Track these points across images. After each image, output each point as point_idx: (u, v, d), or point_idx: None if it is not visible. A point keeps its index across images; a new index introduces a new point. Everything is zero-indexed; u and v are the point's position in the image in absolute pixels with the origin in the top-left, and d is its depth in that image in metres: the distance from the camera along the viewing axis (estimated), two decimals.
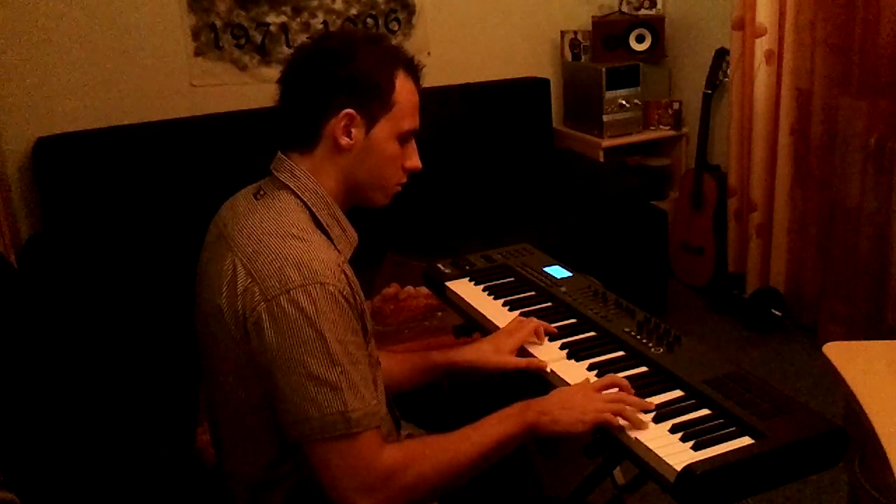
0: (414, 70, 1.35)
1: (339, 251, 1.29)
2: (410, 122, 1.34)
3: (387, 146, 1.31)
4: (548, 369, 1.45)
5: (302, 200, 1.29)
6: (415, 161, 1.37)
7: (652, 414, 1.26)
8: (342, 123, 1.27)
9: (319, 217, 1.29)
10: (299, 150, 1.31)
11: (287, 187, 1.29)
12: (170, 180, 2.92)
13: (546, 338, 1.54)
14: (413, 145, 1.37)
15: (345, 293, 1.20)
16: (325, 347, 1.16)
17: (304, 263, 1.18)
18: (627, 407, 1.26)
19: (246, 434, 1.30)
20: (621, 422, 1.24)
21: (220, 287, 1.23)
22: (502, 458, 1.32)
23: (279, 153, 1.33)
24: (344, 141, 1.28)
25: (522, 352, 1.53)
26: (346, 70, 1.26)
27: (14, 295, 1.52)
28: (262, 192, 1.32)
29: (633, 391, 1.31)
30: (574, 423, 1.27)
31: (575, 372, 1.43)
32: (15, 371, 1.40)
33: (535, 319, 1.58)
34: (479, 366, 1.54)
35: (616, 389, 1.32)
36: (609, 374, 1.37)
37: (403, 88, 1.31)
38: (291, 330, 1.16)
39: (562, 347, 1.50)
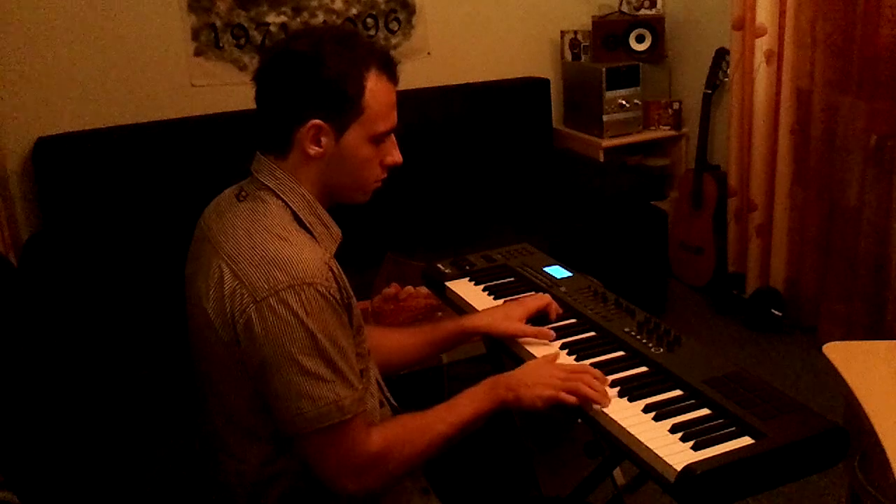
0: (389, 67, 1.31)
1: (323, 248, 1.29)
2: (384, 123, 1.31)
3: (359, 151, 1.30)
4: (552, 336, 1.51)
5: (283, 201, 1.29)
6: (394, 157, 1.35)
7: (616, 389, 1.32)
8: (310, 134, 1.27)
9: (301, 216, 1.30)
10: (275, 154, 1.31)
11: (267, 188, 1.30)
12: (170, 180, 2.92)
13: (553, 334, 1.56)
14: (392, 141, 1.35)
15: (332, 291, 1.22)
16: (315, 344, 1.19)
17: (291, 264, 1.19)
18: (583, 386, 1.30)
19: (240, 433, 1.31)
20: (572, 399, 1.30)
21: (206, 290, 1.24)
22: (502, 458, 1.33)
23: (258, 154, 1.34)
24: (313, 150, 1.28)
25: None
26: (312, 78, 1.24)
27: (14, 295, 1.52)
28: (244, 193, 1.32)
29: (602, 378, 1.34)
30: (533, 400, 1.33)
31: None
32: (15, 371, 1.40)
33: (547, 296, 1.61)
34: (490, 331, 1.57)
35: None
36: (580, 364, 1.40)
37: (375, 90, 1.28)
38: (282, 330, 1.17)
39: (562, 347, 1.50)
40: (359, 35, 1.34)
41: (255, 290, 1.18)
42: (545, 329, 1.53)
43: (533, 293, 1.64)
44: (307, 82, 1.25)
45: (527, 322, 1.57)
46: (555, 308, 1.60)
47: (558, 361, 1.44)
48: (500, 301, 1.71)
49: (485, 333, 1.59)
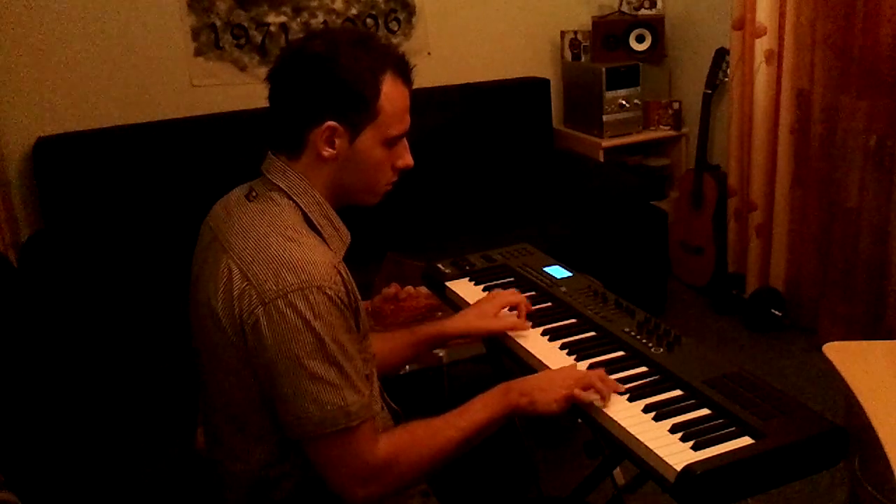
0: (404, 70, 1.31)
1: (332, 251, 1.29)
2: (398, 127, 1.31)
3: (373, 153, 1.30)
4: (527, 328, 1.56)
5: (294, 201, 1.29)
6: (406, 160, 1.35)
7: (626, 395, 1.32)
8: (324, 135, 1.26)
9: (312, 217, 1.29)
10: (287, 155, 1.31)
11: (279, 188, 1.29)
12: (170, 180, 2.92)
13: (529, 324, 1.60)
14: (404, 144, 1.35)
15: (340, 295, 1.22)
16: (322, 348, 1.18)
17: (301, 266, 1.19)
18: (596, 381, 1.31)
19: (244, 434, 1.31)
20: (592, 396, 1.30)
21: (215, 290, 1.23)
22: (502, 458, 1.33)
23: (270, 154, 1.33)
24: (326, 152, 1.27)
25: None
26: (328, 80, 1.24)
27: (14, 294, 1.52)
28: (254, 194, 1.32)
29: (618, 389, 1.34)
30: (549, 404, 1.32)
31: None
32: (15, 371, 1.40)
33: (513, 290, 1.66)
34: (468, 332, 1.60)
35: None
36: (594, 371, 1.39)
37: (391, 93, 1.27)
38: (289, 332, 1.17)
39: (562, 347, 1.50)
40: (375, 38, 1.33)
41: (263, 292, 1.18)
42: (520, 321, 1.57)
43: (496, 290, 1.68)
44: (323, 84, 1.24)
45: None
46: (525, 307, 1.62)
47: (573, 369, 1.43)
48: None
49: (463, 335, 1.62)
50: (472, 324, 1.59)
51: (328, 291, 1.19)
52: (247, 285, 1.20)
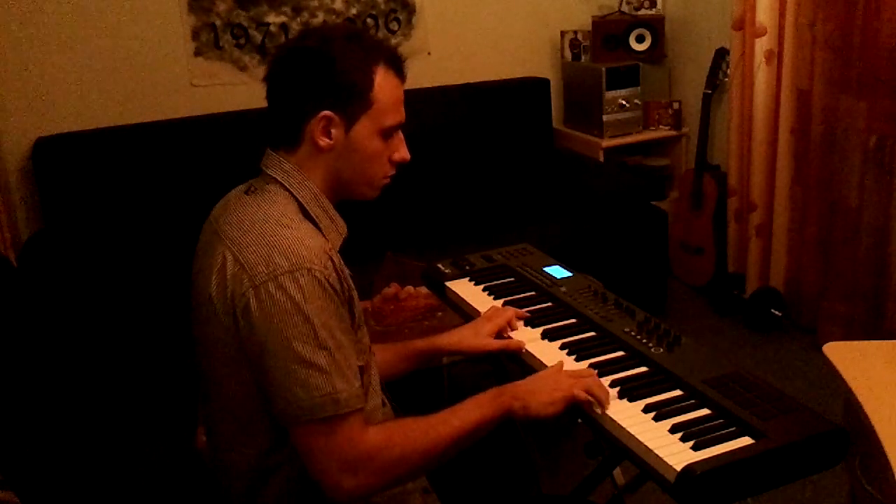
0: (396, 63, 1.33)
1: (327, 240, 1.30)
2: (393, 117, 1.33)
3: (369, 144, 1.32)
4: (524, 349, 1.51)
5: (290, 192, 1.30)
6: (402, 153, 1.37)
7: (616, 389, 1.33)
8: (320, 125, 1.28)
9: (308, 208, 1.31)
10: (285, 149, 1.33)
11: (275, 180, 1.31)
12: (170, 180, 2.92)
13: (522, 323, 1.60)
14: (400, 137, 1.37)
15: (331, 279, 1.23)
16: (312, 332, 1.18)
17: (292, 250, 1.20)
18: (593, 385, 1.31)
19: (240, 424, 1.31)
20: (588, 396, 1.30)
21: (209, 277, 1.25)
22: (502, 457, 1.32)
23: (268, 150, 1.35)
24: (323, 142, 1.29)
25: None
26: (322, 72, 1.27)
27: (14, 294, 1.53)
28: (252, 189, 1.34)
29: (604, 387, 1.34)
30: (544, 407, 1.31)
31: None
32: (15, 371, 1.40)
33: (511, 308, 1.63)
34: (461, 349, 1.60)
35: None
36: (583, 369, 1.40)
37: (384, 85, 1.30)
38: (279, 315, 1.17)
39: (562, 347, 1.50)
40: (367, 32, 1.36)
41: (254, 275, 1.19)
42: (513, 341, 1.55)
43: (496, 306, 1.66)
44: (318, 76, 1.27)
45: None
46: (516, 319, 1.61)
47: (565, 368, 1.43)
48: (500, 301, 1.71)
49: (455, 351, 1.62)
50: (466, 341, 1.58)
51: (317, 274, 1.20)
52: (238, 269, 1.21)
